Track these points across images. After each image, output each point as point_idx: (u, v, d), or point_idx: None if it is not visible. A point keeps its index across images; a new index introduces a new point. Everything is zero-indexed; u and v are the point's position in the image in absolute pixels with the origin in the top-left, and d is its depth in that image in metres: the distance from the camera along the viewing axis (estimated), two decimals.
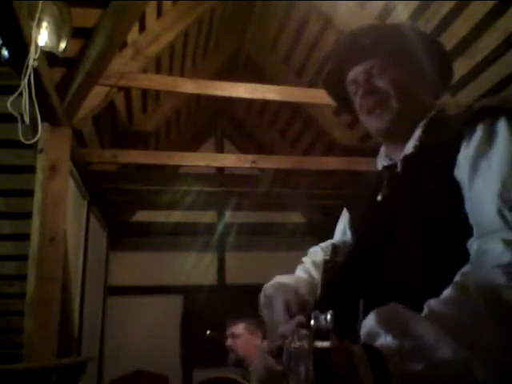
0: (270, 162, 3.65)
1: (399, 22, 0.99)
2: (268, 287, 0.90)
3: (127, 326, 4.72)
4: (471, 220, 0.71)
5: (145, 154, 3.52)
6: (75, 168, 2.99)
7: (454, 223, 0.73)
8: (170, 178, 4.40)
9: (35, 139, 1.99)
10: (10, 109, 1.76)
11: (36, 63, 1.78)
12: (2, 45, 1.81)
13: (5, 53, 1.84)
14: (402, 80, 0.89)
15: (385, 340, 0.56)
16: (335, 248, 0.99)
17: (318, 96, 3.22)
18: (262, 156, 3.70)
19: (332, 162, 3.71)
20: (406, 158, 0.86)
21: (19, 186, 2.76)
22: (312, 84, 3.90)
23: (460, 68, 2.88)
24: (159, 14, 3.00)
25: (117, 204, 4.70)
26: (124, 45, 2.82)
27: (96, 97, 2.72)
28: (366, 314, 0.62)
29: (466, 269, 0.64)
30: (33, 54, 1.75)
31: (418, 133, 0.86)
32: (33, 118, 1.85)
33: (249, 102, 4.67)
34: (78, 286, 3.40)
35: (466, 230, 0.71)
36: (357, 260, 0.87)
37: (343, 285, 0.85)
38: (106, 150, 3.52)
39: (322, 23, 3.43)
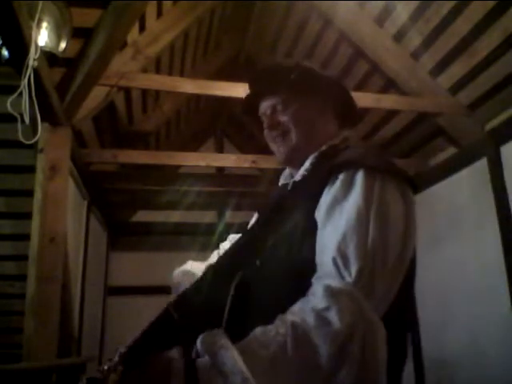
0: (270, 162, 3.65)
1: (301, 62, 1.08)
2: (178, 273, 1.06)
3: (127, 325, 4.71)
4: (317, 260, 0.77)
5: (145, 154, 3.52)
6: (75, 168, 2.99)
7: (305, 259, 0.79)
8: (169, 178, 4.40)
9: (35, 139, 1.99)
10: (9, 109, 1.76)
11: (36, 63, 1.78)
12: (2, 45, 1.81)
13: (5, 53, 1.83)
14: (302, 115, 0.99)
15: (203, 360, 0.65)
16: None
17: None
18: (262, 156, 3.70)
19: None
20: (292, 187, 0.97)
21: (19, 186, 2.76)
22: None
23: (460, 68, 2.88)
24: (159, 13, 3.00)
25: (117, 204, 4.70)
26: (124, 45, 2.82)
27: (96, 97, 2.72)
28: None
29: (293, 306, 0.72)
30: (33, 54, 1.75)
31: (307, 164, 0.96)
32: (33, 118, 1.85)
33: None
34: (77, 286, 3.40)
35: (313, 268, 0.77)
36: (221, 271, 0.92)
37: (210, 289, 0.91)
38: (105, 150, 3.52)
39: (322, 23, 3.43)
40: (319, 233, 0.79)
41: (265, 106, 1.04)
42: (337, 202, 0.79)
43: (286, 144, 1.00)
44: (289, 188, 0.98)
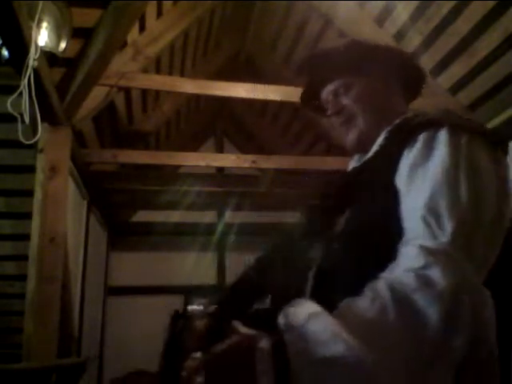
0: (270, 162, 3.65)
1: (358, 39, 1.03)
2: None
3: (127, 325, 4.72)
4: (403, 226, 0.72)
5: (145, 154, 3.52)
6: (75, 168, 2.99)
7: (389, 228, 0.73)
8: (170, 178, 4.40)
9: (35, 139, 1.99)
10: (10, 109, 1.76)
11: (36, 63, 1.78)
12: (2, 45, 1.81)
13: (5, 53, 1.84)
14: (366, 94, 0.93)
15: (288, 334, 0.58)
16: None
17: None
18: (262, 156, 3.70)
19: (332, 162, 3.71)
20: (365, 163, 0.91)
21: (19, 186, 2.76)
22: None
23: (460, 68, 2.88)
24: (159, 13, 3.00)
25: (117, 204, 4.70)
26: (124, 45, 2.82)
27: (96, 97, 2.72)
28: None
29: (383, 273, 0.65)
30: (33, 54, 1.75)
31: (380, 139, 0.89)
32: (33, 118, 1.86)
33: (249, 102, 4.67)
34: (77, 286, 3.40)
35: (399, 236, 0.71)
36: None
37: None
38: (105, 150, 3.52)
39: (322, 23, 3.43)
40: (403, 199, 0.73)
41: (326, 92, 0.97)
42: (419, 163, 0.73)
43: (355, 129, 0.93)
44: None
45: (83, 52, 2.32)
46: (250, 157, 3.62)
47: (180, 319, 0.67)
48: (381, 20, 3.00)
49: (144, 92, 3.63)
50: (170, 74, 3.76)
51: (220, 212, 5.37)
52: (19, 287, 2.83)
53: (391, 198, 0.74)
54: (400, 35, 3.00)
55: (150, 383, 4.44)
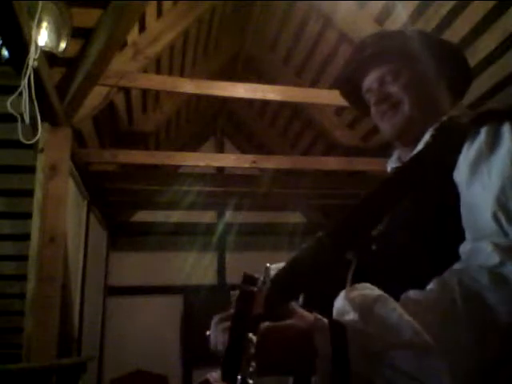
0: (270, 162, 3.65)
1: (414, 27, 0.99)
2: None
3: (127, 326, 4.72)
4: (465, 223, 0.70)
5: (145, 154, 3.52)
6: (75, 168, 2.99)
7: (448, 226, 0.72)
8: (170, 177, 4.40)
9: (35, 139, 2.00)
10: (9, 109, 1.76)
11: (36, 63, 1.78)
12: (2, 45, 1.81)
13: (5, 53, 1.84)
14: (415, 85, 0.89)
15: (350, 317, 0.57)
16: None
17: (318, 96, 3.23)
18: (262, 156, 3.70)
19: (332, 162, 3.71)
20: (411, 159, 0.85)
21: (19, 186, 2.76)
22: (312, 84, 3.90)
23: None
24: (159, 14, 3.00)
25: (117, 204, 4.70)
26: (124, 45, 2.82)
27: (96, 97, 2.72)
28: None
29: (453, 266, 0.64)
30: (33, 54, 1.75)
31: (426, 136, 0.85)
32: (33, 118, 1.86)
33: (249, 102, 4.68)
34: (77, 286, 3.40)
35: (459, 234, 0.70)
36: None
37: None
38: (105, 149, 3.52)
39: (322, 23, 3.43)
40: (464, 193, 0.71)
41: (370, 79, 0.93)
42: (482, 157, 0.70)
43: (399, 116, 0.89)
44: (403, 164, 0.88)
45: (83, 52, 2.32)
46: (250, 157, 3.62)
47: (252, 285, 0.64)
48: (381, 20, 3.00)
49: (144, 92, 3.62)
50: (170, 74, 3.76)
51: (220, 212, 5.37)
52: (19, 287, 2.83)
53: (450, 195, 0.72)
54: None
55: (149, 383, 4.45)
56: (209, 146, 5.58)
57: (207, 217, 5.24)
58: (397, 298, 0.61)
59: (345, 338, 0.54)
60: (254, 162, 3.52)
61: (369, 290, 0.61)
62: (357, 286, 0.62)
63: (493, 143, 0.71)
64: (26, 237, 2.45)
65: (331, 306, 0.64)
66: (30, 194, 2.45)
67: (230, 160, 3.81)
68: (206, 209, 5.11)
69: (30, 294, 2.28)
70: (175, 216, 4.84)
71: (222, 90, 3.03)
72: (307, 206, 5.32)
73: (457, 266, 0.64)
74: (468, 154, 0.73)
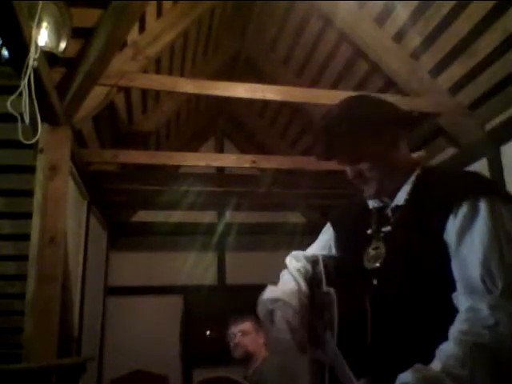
0: (270, 162, 3.65)
1: (345, 103, 1.08)
2: (267, 302, 1.05)
3: (127, 326, 4.72)
4: (457, 276, 0.89)
5: (145, 154, 3.52)
6: (75, 168, 2.99)
7: (441, 277, 0.90)
8: (170, 177, 4.40)
9: (35, 139, 1.99)
10: (9, 109, 1.76)
11: (36, 63, 1.78)
12: (2, 45, 1.81)
13: (5, 53, 1.84)
14: (380, 155, 1.02)
15: None
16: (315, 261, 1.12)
17: (318, 96, 3.22)
18: (262, 156, 3.70)
19: (332, 162, 3.70)
20: (398, 208, 1.03)
21: (19, 186, 2.76)
22: (312, 84, 3.90)
23: (460, 68, 2.88)
24: (159, 14, 3.00)
25: (117, 204, 4.70)
26: (124, 45, 2.82)
27: (96, 97, 2.72)
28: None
29: (462, 326, 0.82)
30: (33, 54, 1.75)
31: (407, 187, 1.02)
32: (33, 118, 1.85)
33: (249, 102, 4.67)
34: (77, 286, 3.40)
35: (450, 284, 0.89)
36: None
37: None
38: (105, 150, 3.52)
39: (322, 23, 3.43)
40: (454, 252, 0.90)
41: (340, 161, 1.10)
42: (466, 228, 0.89)
43: (372, 188, 1.05)
44: (390, 213, 1.05)
45: (83, 52, 2.32)
46: (250, 157, 3.62)
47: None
48: (381, 20, 3.00)
49: (144, 92, 3.63)
50: (170, 74, 3.76)
51: (220, 212, 5.37)
52: (19, 287, 2.83)
53: (441, 251, 0.91)
54: (400, 35, 3.00)
55: (149, 383, 4.45)
56: (209, 146, 5.57)
57: (207, 217, 5.24)
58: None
59: None
60: (254, 162, 3.52)
61: (431, 373, 0.78)
62: (419, 368, 0.78)
63: (472, 216, 0.90)
64: (26, 237, 2.45)
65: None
66: (30, 193, 2.45)
67: (230, 160, 3.80)
68: (206, 209, 5.11)
69: (30, 294, 2.28)
70: (175, 216, 4.84)
71: (222, 90, 3.02)
72: (307, 205, 5.32)
73: (464, 325, 0.82)
74: (455, 223, 0.91)
